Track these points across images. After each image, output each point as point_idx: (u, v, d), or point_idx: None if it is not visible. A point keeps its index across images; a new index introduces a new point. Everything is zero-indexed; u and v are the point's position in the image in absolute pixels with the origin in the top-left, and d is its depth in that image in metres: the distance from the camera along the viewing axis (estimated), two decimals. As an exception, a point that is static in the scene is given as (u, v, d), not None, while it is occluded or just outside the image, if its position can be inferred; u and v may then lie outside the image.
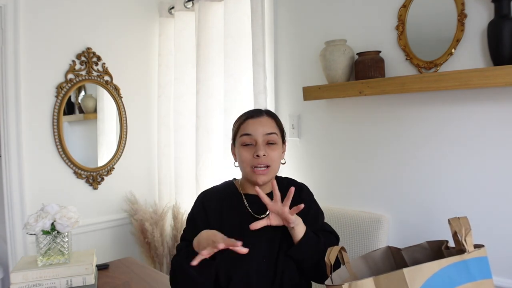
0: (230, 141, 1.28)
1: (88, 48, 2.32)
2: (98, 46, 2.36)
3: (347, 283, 0.90)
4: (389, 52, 1.60)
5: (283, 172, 2.03)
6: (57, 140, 2.21)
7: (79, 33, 2.29)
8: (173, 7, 2.48)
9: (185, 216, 2.36)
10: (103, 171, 2.42)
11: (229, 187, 1.26)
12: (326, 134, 1.87)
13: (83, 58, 2.30)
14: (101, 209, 2.41)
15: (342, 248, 1.02)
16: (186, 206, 2.42)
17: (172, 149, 2.53)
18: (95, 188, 2.38)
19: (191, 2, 2.38)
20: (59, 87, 2.21)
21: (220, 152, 2.19)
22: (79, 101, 2.37)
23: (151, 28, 2.61)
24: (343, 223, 1.68)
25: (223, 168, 2.16)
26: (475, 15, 1.36)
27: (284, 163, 1.26)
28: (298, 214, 1.16)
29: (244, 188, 1.24)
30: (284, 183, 1.26)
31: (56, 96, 2.21)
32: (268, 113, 1.24)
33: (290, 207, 1.16)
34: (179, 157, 2.45)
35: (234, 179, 1.30)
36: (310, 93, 1.76)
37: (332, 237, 1.23)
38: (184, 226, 1.26)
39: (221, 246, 0.98)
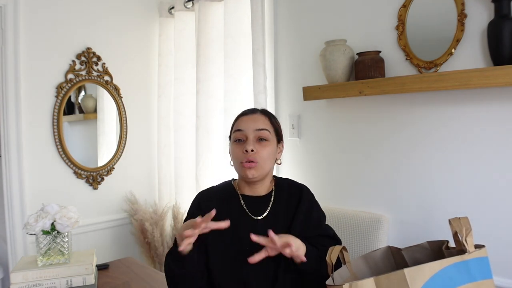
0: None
1: (88, 48, 2.32)
2: (98, 46, 2.36)
3: (348, 283, 0.90)
4: (389, 52, 1.60)
5: (283, 171, 2.04)
6: (57, 140, 2.21)
7: (79, 33, 2.29)
8: (173, 7, 2.48)
9: (185, 216, 2.36)
10: (103, 171, 2.41)
11: (227, 187, 1.26)
12: (326, 134, 1.87)
13: (83, 58, 2.30)
14: (101, 209, 2.41)
15: (343, 248, 1.02)
16: (186, 206, 2.41)
17: (172, 149, 2.53)
18: (95, 188, 2.38)
19: (191, 2, 2.38)
20: (59, 87, 2.21)
21: (220, 152, 2.19)
22: (79, 101, 2.37)
23: (151, 28, 2.61)
24: (343, 223, 1.68)
25: (223, 168, 2.16)
26: (475, 15, 1.36)
27: (279, 164, 1.25)
28: (299, 217, 1.16)
29: (241, 188, 1.24)
30: (285, 185, 1.25)
31: (56, 96, 2.20)
32: (263, 111, 1.24)
33: (290, 209, 1.15)
34: (179, 157, 2.45)
35: (233, 179, 1.30)
36: (310, 93, 1.76)
37: (333, 243, 1.21)
38: None
39: (199, 219, 0.98)
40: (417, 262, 1.03)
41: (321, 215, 1.25)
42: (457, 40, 1.40)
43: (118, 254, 2.38)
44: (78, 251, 1.58)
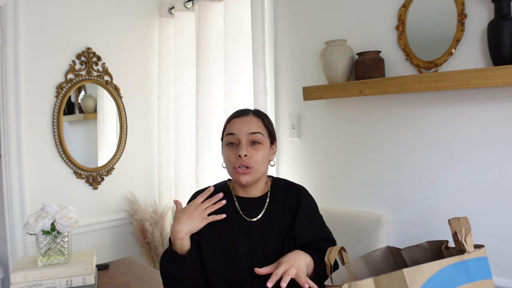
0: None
1: (88, 48, 2.32)
2: (98, 46, 2.36)
3: (347, 283, 0.90)
4: (389, 52, 1.59)
5: (283, 171, 2.04)
6: (57, 140, 2.21)
7: (79, 33, 2.29)
8: (173, 7, 2.48)
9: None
10: (103, 171, 2.42)
11: (223, 188, 1.25)
12: (326, 134, 1.87)
13: (83, 58, 2.30)
14: (101, 209, 2.41)
15: (342, 248, 1.02)
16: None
17: (172, 149, 2.53)
18: (95, 188, 2.38)
19: (191, 2, 2.38)
20: (59, 87, 2.21)
21: (220, 152, 2.19)
22: (79, 101, 2.37)
23: (151, 28, 2.61)
24: (343, 223, 1.68)
25: (223, 168, 2.16)
26: (475, 15, 1.36)
27: (273, 165, 1.23)
28: (303, 221, 1.15)
29: (235, 190, 1.23)
30: (282, 185, 1.24)
31: (56, 96, 2.21)
32: (255, 113, 1.21)
33: (287, 210, 1.15)
34: (179, 157, 2.45)
35: (229, 180, 1.29)
36: (310, 93, 1.76)
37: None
38: None
39: (200, 198, 1.13)
40: (417, 262, 1.03)
41: (321, 217, 1.25)
42: (457, 40, 1.40)
43: (118, 254, 2.38)
44: (78, 251, 1.58)
